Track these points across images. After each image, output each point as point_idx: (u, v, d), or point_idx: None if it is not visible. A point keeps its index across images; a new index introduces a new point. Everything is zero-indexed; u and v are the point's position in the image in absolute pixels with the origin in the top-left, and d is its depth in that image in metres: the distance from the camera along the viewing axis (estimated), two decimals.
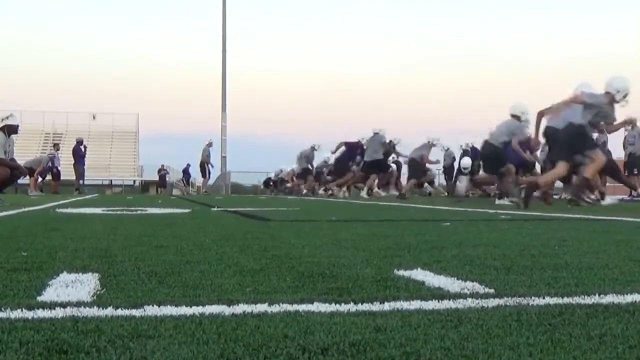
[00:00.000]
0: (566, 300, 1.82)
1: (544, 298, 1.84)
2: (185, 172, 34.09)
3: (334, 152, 21.28)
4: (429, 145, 17.08)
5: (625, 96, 8.91)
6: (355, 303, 1.77)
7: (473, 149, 19.48)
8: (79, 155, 24.72)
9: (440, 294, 1.90)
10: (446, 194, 18.51)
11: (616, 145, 15.33)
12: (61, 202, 11.64)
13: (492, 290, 1.98)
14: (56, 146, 26.16)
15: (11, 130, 10.32)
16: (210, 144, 27.08)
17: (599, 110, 8.98)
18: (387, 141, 18.14)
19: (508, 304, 1.77)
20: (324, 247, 3.22)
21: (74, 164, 24.66)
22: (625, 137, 15.12)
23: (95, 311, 1.64)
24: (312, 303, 1.76)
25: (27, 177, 20.45)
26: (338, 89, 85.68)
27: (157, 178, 37.76)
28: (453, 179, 19.60)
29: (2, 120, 10.27)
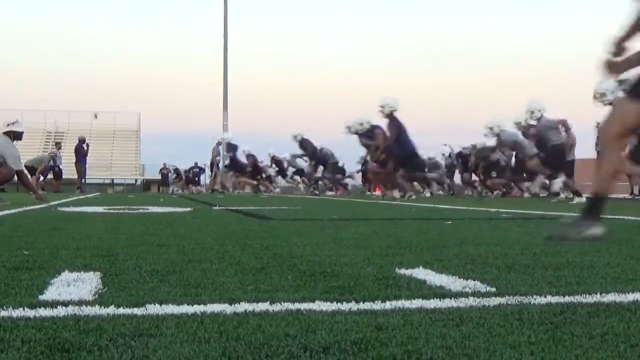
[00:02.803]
0: (568, 299, 1.82)
1: (545, 297, 1.84)
2: (191, 171, 34.14)
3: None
4: None
5: None
6: (357, 302, 1.77)
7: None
8: (80, 154, 24.71)
9: (442, 293, 1.90)
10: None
11: None
12: (63, 200, 11.65)
13: (493, 289, 1.98)
14: (58, 145, 26.14)
15: (16, 136, 10.59)
16: (219, 143, 27.01)
17: None
18: None
19: (509, 302, 1.77)
20: (326, 246, 3.22)
21: (76, 163, 24.65)
22: None
23: (97, 310, 1.65)
24: (314, 302, 1.76)
25: (29, 176, 20.44)
26: (340, 86, 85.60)
27: (158, 177, 37.75)
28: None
29: (8, 125, 10.49)
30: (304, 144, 20.96)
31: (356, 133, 14.44)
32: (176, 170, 34.61)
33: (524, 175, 15.09)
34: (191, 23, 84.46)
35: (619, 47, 3.64)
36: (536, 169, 13.19)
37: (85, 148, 25.02)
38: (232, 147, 23.95)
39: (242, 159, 24.05)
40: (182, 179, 33.30)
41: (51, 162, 23.49)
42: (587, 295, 1.86)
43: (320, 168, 21.61)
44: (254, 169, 24.04)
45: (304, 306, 1.70)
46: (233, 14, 60.68)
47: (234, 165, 24.10)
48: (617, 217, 6.09)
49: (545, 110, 12.64)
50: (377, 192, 19.39)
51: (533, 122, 12.95)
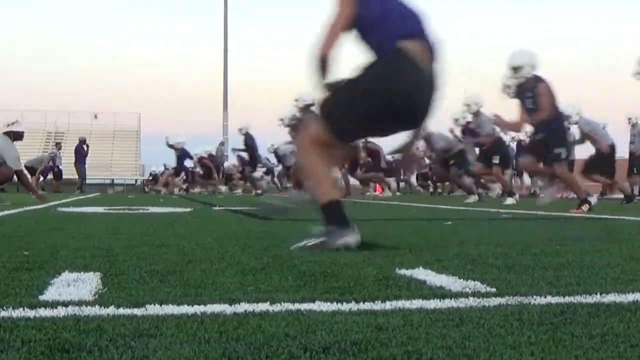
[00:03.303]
0: (568, 299, 1.82)
1: (545, 297, 1.84)
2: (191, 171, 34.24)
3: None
4: None
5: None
6: (357, 302, 1.77)
7: None
8: (81, 154, 24.73)
9: (442, 293, 1.90)
10: None
11: (621, 144, 15.06)
12: (63, 201, 11.65)
13: (493, 290, 1.98)
14: (58, 145, 26.16)
15: (16, 136, 10.66)
16: (222, 144, 26.96)
17: None
18: None
19: (509, 303, 1.77)
20: None
21: (75, 163, 24.67)
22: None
23: (97, 310, 1.65)
24: (314, 302, 1.76)
25: (29, 176, 20.46)
26: None
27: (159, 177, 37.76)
28: None
29: (8, 125, 10.56)
30: (246, 139, 20.52)
31: (288, 126, 14.33)
32: (152, 173, 34.60)
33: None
34: (191, 23, 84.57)
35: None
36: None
37: (85, 148, 25.03)
38: (181, 151, 23.78)
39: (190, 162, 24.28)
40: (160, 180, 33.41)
41: (51, 163, 23.50)
42: (587, 296, 1.86)
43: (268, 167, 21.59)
44: (206, 170, 23.99)
45: (304, 306, 1.70)
46: (233, 15, 60.74)
47: (180, 169, 24.24)
48: (617, 217, 6.09)
49: (482, 105, 11.83)
50: (376, 193, 19.33)
51: (469, 118, 12.48)
